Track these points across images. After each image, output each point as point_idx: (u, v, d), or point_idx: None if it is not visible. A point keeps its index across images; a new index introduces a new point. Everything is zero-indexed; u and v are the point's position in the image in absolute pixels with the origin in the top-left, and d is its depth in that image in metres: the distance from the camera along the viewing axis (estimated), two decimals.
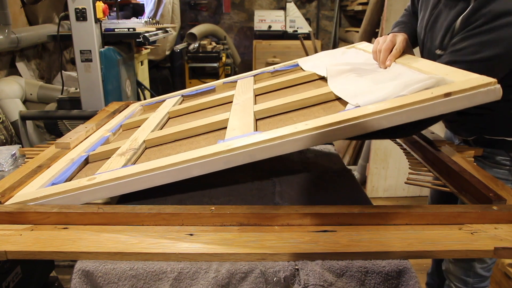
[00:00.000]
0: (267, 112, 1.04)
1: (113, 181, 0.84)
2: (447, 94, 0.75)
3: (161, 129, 1.19)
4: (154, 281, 0.71)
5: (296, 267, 0.70)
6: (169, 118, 1.30)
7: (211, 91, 1.51)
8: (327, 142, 0.80)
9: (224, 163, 0.82)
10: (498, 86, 0.74)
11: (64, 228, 0.79)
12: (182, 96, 1.53)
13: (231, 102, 1.21)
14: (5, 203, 0.85)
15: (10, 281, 1.06)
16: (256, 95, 1.26)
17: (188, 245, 0.73)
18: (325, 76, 1.15)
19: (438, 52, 1.09)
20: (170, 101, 1.46)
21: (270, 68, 1.55)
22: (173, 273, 0.71)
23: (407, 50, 1.13)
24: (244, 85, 1.39)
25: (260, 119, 1.03)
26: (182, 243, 0.74)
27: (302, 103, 1.03)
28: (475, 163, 1.06)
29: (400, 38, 1.12)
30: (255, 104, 1.13)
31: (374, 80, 0.98)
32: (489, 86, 0.74)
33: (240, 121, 0.99)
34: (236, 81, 1.50)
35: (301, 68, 1.42)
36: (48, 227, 0.79)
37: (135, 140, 1.08)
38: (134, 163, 0.96)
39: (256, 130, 0.93)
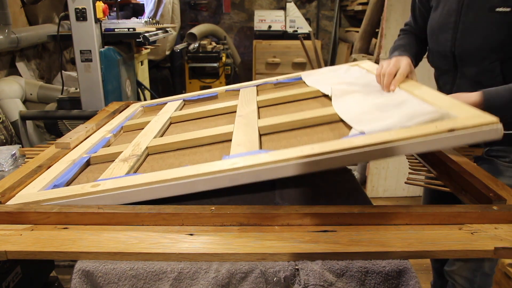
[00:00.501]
0: (271, 128, 1.05)
1: (117, 190, 0.84)
2: (451, 130, 0.76)
3: (163, 134, 1.19)
4: (154, 281, 0.71)
5: (296, 267, 0.70)
6: (170, 123, 1.31)
7: (213, 97, 1.51)
8: (332, 167, 0.80)
9: (229, 181, 0.83)
10: (500, 126, 0.75)
11: (64, 228, 0.79)
12: (184, 100, 1.53)
13: (234, 112, 1.22)
14: (6, 204, 0.85)
15: (10, 281, 1.06)
16: (259, 107, 1.27)
17: (188, 245, 0.73)
18: (329, 94, 1.16)
19: (501, 9, 1.03)
20: (172, 105, 1.45)
21: (273, 79, 1.56)
22: (173, 273, 0.71)
23: (410, 74, 1.12)
24: (247, 95, 1.40)
25: (264, 134, 1.04)
26: (182, 243, 0.74)
27: (307, 122, 1.05)
28: (483, 164, 1.04)
29: (404, 62, 1.11)
30: (259, 117, 1.14)
31: (378, 105, 0.99)
32: (491, 125, 0.75)
33: (245, 136, 1.00)
34: (238, 90, 1.50)
35: (304, 83, 1.43)
36: (48, 227, 0.79)
37: (137, 145, 1.08)
38: (137, 170, 0.97)
39: (261, 148, 0.94)
